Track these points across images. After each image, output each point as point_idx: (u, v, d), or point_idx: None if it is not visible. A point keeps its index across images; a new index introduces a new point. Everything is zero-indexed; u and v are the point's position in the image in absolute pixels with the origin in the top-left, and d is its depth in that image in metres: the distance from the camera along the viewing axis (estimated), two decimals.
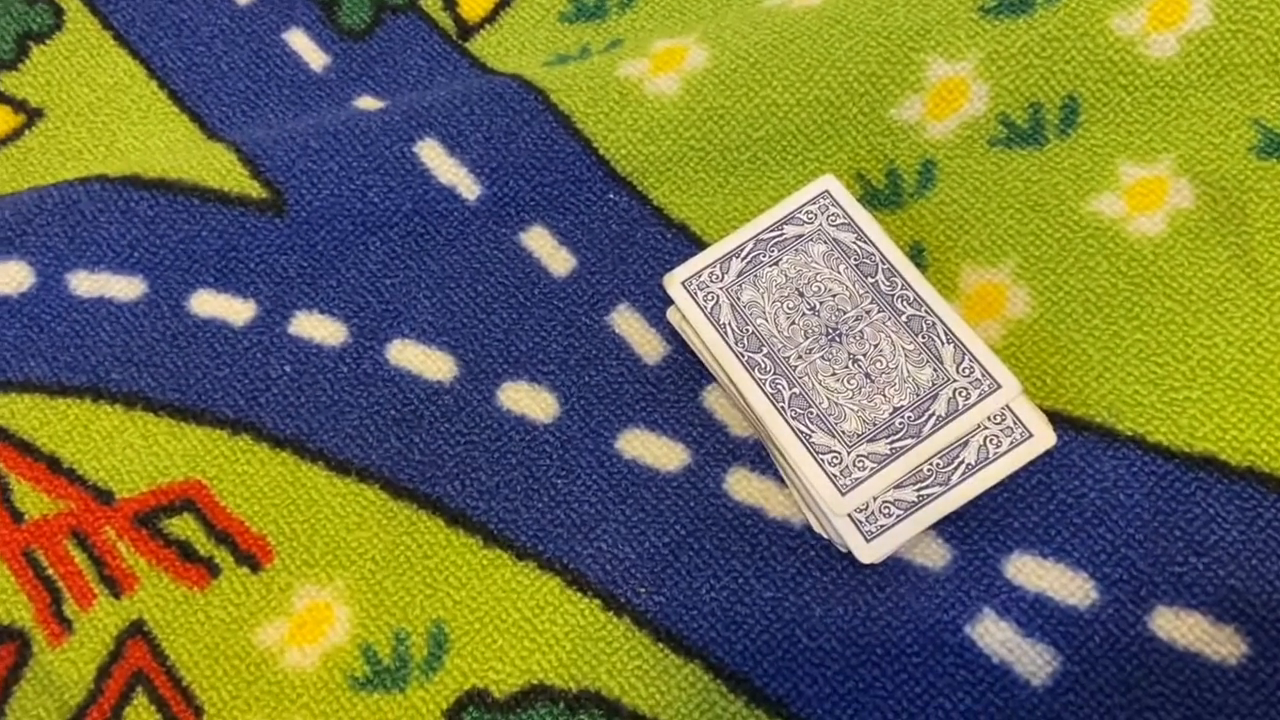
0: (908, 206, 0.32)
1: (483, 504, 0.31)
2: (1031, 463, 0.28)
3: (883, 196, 0.32)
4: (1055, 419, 0.29)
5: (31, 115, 0.38)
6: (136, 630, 0.30)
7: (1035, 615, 0.27)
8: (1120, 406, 0.29)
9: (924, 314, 0.29)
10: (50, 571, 0.31)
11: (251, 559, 0.31)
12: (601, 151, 0.34)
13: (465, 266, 0.33)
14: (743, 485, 0.30)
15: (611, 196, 0.34)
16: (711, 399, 0.31)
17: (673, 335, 0.32)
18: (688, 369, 0.31)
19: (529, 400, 0.32)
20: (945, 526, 0.29)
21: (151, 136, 0.37)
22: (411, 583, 0.30)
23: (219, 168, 0.34)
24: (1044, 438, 0.28)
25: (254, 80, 0.37)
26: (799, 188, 0.33)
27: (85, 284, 0.34)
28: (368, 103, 0.36)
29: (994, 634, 0.27)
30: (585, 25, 0.37)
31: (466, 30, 0.37)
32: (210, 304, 0.34)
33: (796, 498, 0.30)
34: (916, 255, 0.32)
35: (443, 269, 0.33)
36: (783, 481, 0.30)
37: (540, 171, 0.34)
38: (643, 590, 0.29)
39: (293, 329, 0.33)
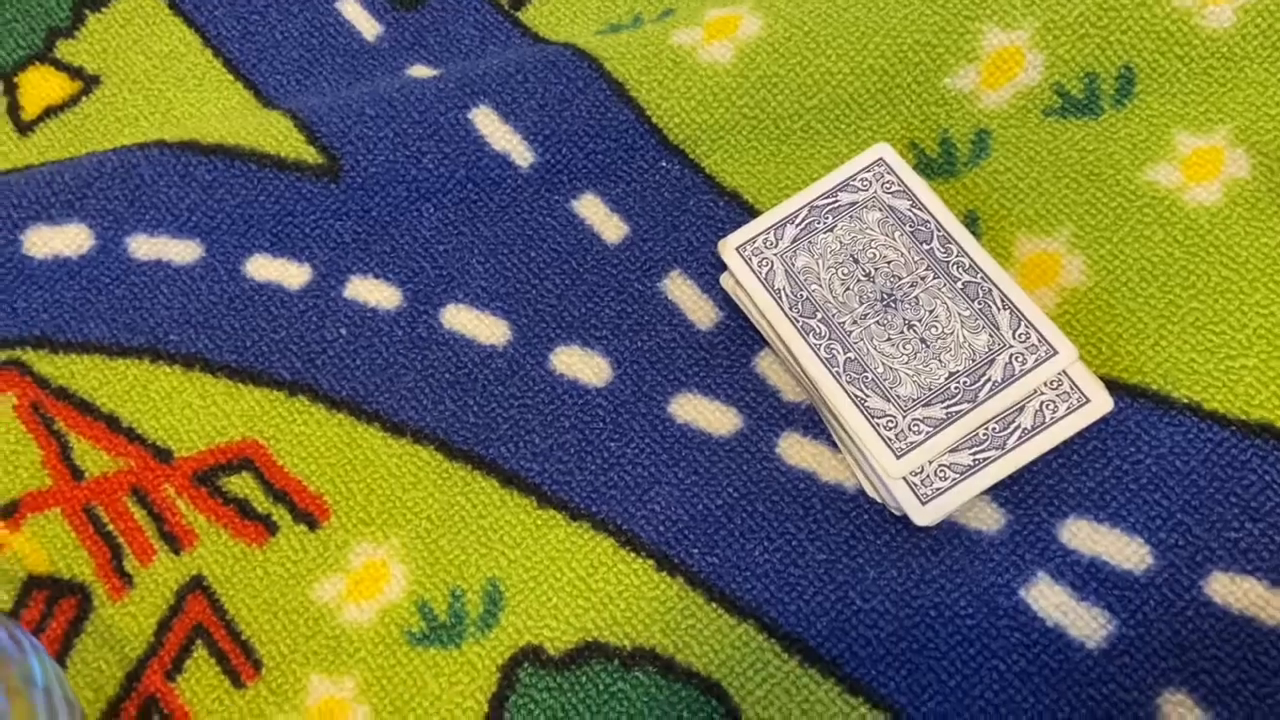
0: (962, 175, 0.32)
1: (536, 465, 0.31)
2: (1087, 428, 0.28)
3: (937, 165, 0.33)
4: (1111, 386, 0.29)
5: (89, 82, 0.38)
6: (196, 585, 0.31)
7: (1090, 579, 0.28)
8: (1176, 374, 0.29)
9: (980, 280, 0.29)
10: (110, 528, 0.32)
11: (309, 517, 0.31)
12: (654, 119, 0.34)
13: (518, 233, 0.34)
14: (795, 450, 0.30)
15: (664, 164, 0.34)
16: (764, 364, 0.31)
17: (725, 301, 0.32)
18: (740, 334, 0.32)
19: (582, 364, 0.32)
20: (1000, 491, 0.29)
21: (207, 104, 0.37)
22: (467, 541, 0.30)
23: (275, 134, 0.35)
24: (1101, 403, 0.28)
25: (308, 49, 0.38)
26: (851, 157, 0.33)
27: (144, 247, 0.34)
28: (421, 71, 0.37)
29: (1048, 597, 0.28)
30: None
31: (518, 0, 0.37)
32: (266, 268, 0.34)
33: (850, 462, 0.30)
34: (971, 224, 0.32)
35: (496, 235, 0.34)
36: (835, 446, 0.30)
37: (593, 139, 0.34)
38: (696, 550, 0.29)
39: (348, 293, 0.34)
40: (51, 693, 0.26)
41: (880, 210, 0.31)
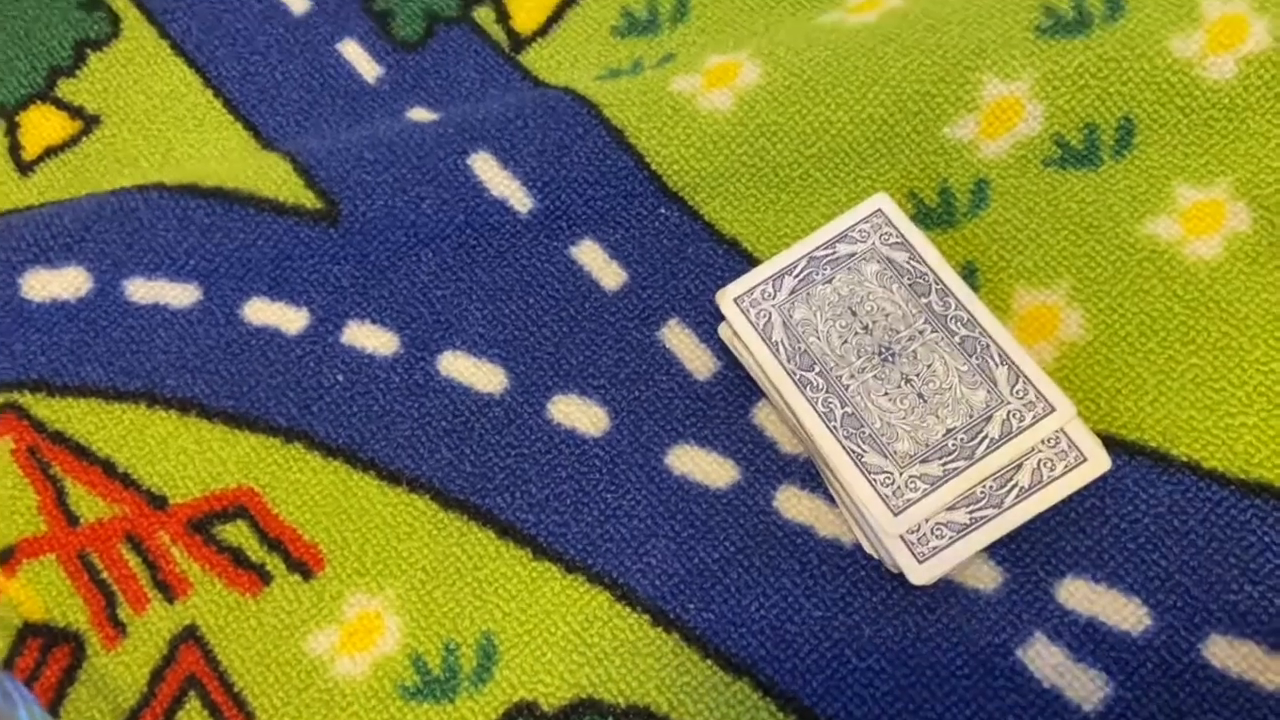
0: (961, 226, 0.32)
1: (532, 516, 0.31)
2: (1085, 487, 0.28)
3: (935, 215, 0.32)
4: (1109, 443, 0.29)
5: (89, 122, 0.38)
6: (189, 635, 0.31)
7: (1087, 640, 0.27)
8: (1175, 431, 0.29)
9: (978, 335, 0.29)
10: (105, 575, 0.32)
11: (303, 567, 0.31)
12: (654, 166, 0.34)
13: (516, 279, 0.34)
14: (792, 503, 0.30)
15: (663, 211, 0.34)
16: (762, 415, 0.31)
17: (723, 351, 0.32)
18: (738, 385, 0.32)
19: (579, 413, 0.32)
20: (997, 549, 0.28)
21: (207, 145, 0.37)
22: (461, 593, 0.30)
23: (274, 177, 0.35)
24: (1099, 462, 0.28)
25: (308, 90, 0.38)
26: (851, 205, 0.33)
27: (141, 290, 0.34)
28: (421, 114, 0.37)
29: (1045, 658, 0.27)
30: (637, 39, 0.37)
31: (519, 43, 0.37)
32: (264, 312, 0.34)
33: (847, 517, 0.30)
34: (969, 275, 0.32)
35: (494, 281, 0.34)
36: (833, 500, 0.30)
37: (592, 185, 0.34)
38: (692, 605, 0.29)
39: (345, 338, 0.33)
40: None
41: (878, 262, 0.31)
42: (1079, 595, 0.28)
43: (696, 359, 0.32)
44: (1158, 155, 0.32)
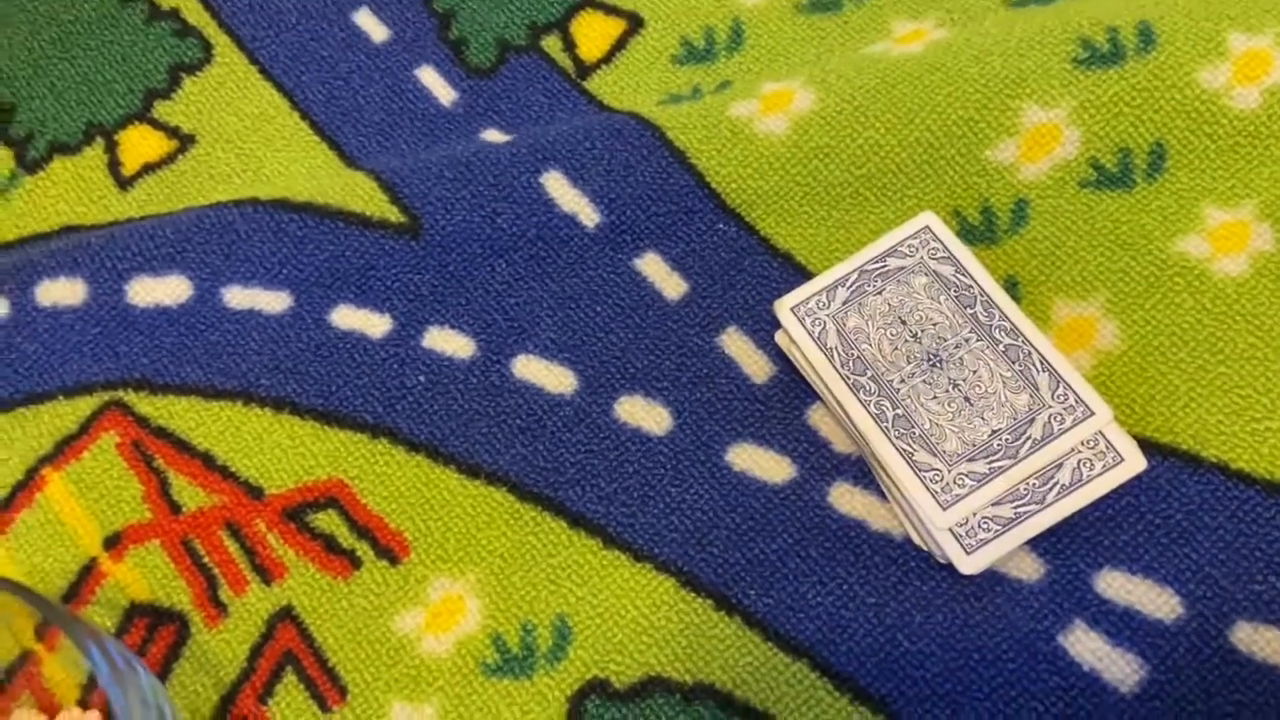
0: (1002, 243, 0.35)
1: (602, 508, 0.33)
2: (1121, 485, 0.30)
3: (978, 233, 0.35)
4: (1143, 445, 0.31)
5: (184, 141, 0.41)
6: (286, 615, 0.33)
7: (1124, 627, 0.29)
8: (1205, 435, 0.31)
9: (1020, 344, 0.31)
10: (206, 560, 0.34)
11: (390, 553, 0.33)
12: (713, 185, 0.36)
13: (585, 288, 0.36)
14: (846, 499, 0.32)
15: (721, 226, 0.36)
16: (816, 417, 0.33)
17: (779, 357, 0.34)
18: (793, 389, 0.34)
19: (644, 414, 0.34)
20: (1039, 542, 0.31)
21: (295, 163, 0.40)
22: (537, 578, 0.33)
23: (361, 194, 0.37)
24: (1135, 462, 0.30)
25: (388, 113, 0.41)
26: (898, 223, 0.35)
27: (238, 297, 0.37)
28: (494, 136, 0.39)
29: (1084, 643, 0.29)
30: (695, 67, 0.39)
31: (584, 70, 0.40)
32: (350, 318, 0.37)
33: (898, 512, 0.32)
34: (1011, 288, 0.34)
35: (564, 290, 0.36)
36: (884, 496, 0.32)
37: (655, 202, 0.37)
38: (753, 592, 0.31)
39: (425, 342, 0.36)
40: (163, 712, 0.29)
41: (926, 275, 0.33)
42: (1116, 585, 0.30)
43: (754, 364, 0.34)
44: (1187, 178, 0.34)
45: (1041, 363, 0.31)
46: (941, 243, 0.33)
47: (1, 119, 0.42)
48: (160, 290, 0.37)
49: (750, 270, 0.36)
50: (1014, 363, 0.31)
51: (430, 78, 0.41)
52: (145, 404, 0.36)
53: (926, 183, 0.35)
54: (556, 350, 0.35)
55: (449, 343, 0.36)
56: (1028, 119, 0.35)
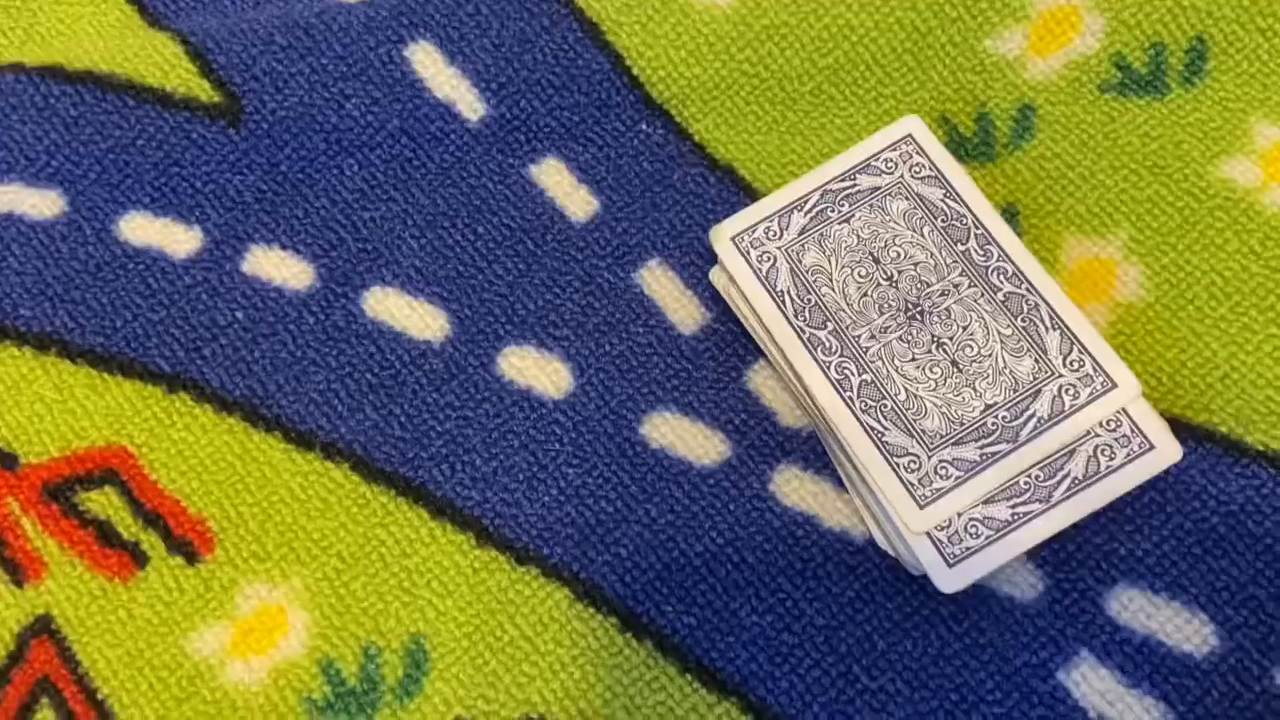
0: (1000, 160, 0.27)
1: (476, 494, 0.25)
2: (1147, 480, 0.23)
3: (971, 146, 0.27)
4: (1172, 427, 0.24)
5: None
6: (43, 628, 0.25)
7: (1142, 662, 0.23)
8: (1249, 415, 0.24)
9: (1025, 292, 0.24)
10: None
11: (187, 547, 0.25)
12: (635, 71, 0.28)
13: (463, 202, 0.28)
14: (793, 487, 0.25)
15: (644, 127, 0.28)
16: (758, 380, 0.26)
17: (714, 300, 0.26)
18: (730, 342, 0.26)
19: (536, 370, 0.26)
20: (1038, 551, 0.24)
21: (80, 20, 0.30)
22: (386, 586, 0.25)
23: (161, 62, 0.28)
24: (1168, 451, 0.23)
25: None
26: (872, 130, 0.27)
27: None
28: None
29: (1092, 682, 0.23)
30: None
31: None
32: (145, 229, 0.27)
33: (859, 505, 0.25)
34: (1009, 219, 0.27)
35: (435, 204, 0.28)
36: (842, 485, 0.25)
37: (559, 92, 0.28)
38: (669, 608, 0.24)
39: (247, 267, 0.27)
40: None
41: (907, 199, 0.25)
42: (1133, 608, 0.23)
43: (681, 309, 0.26)
44: (1233, 84, 0.27)
45: (1051, 318, 0.24)
46: (927, 157, 0.26)
47: None
48: None
49: (680, 186, 0.27)
50: (1016, 317, 0.24)
51: None
52: None
53: (908, 79, 0.28)
54: (423, 283, 0.27)
55: (278, 268, 0.27)
56: (1040, 0, 0.27)
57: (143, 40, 0.29)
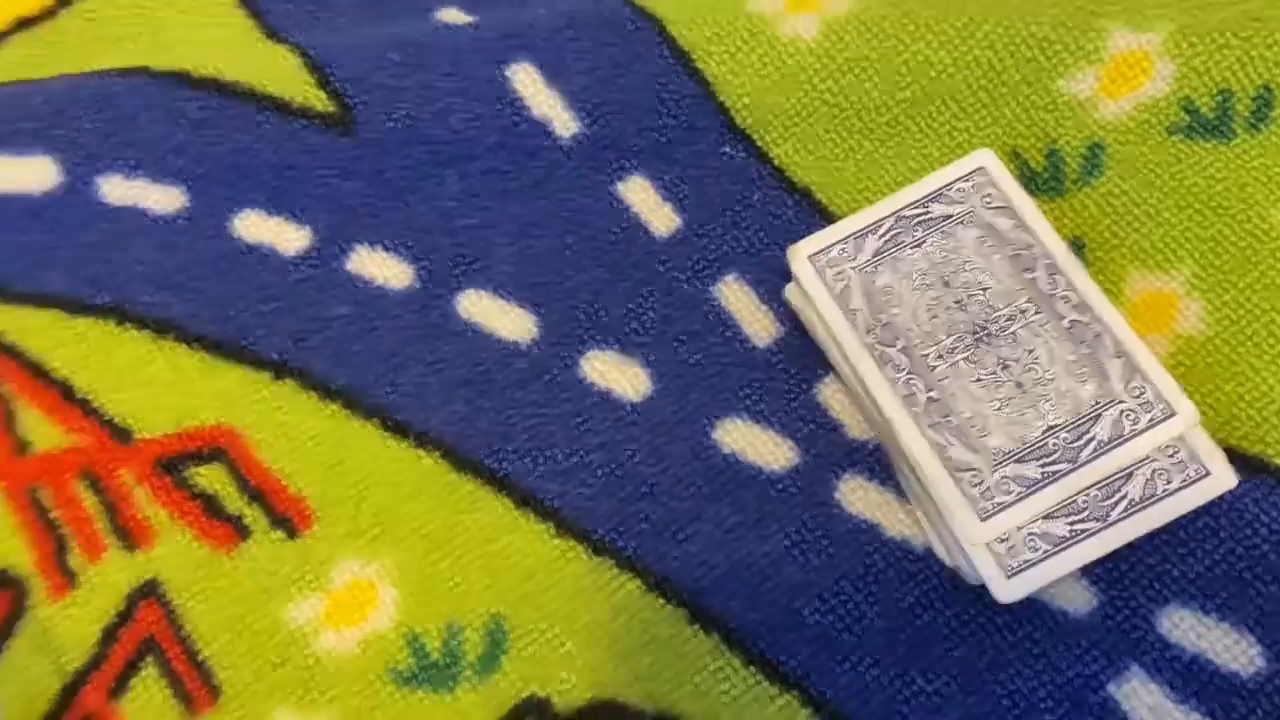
0: (1069, 195, 0.28)
1: (556, 486, 0.27)
2: (1201, 505, 0.24)
3: (1041, 181, 0.28)
4: (1228, 456, 0.25)
5: None
6: (150, 591, 0.27)
7: (1190, 679, 0.24)
8: None
9: (1089, 321, 0.25)
10: (56, 514, 0.27)
11: (287, 522, 0.27)
12: (721, 97, 0.29)
13: (554, 214, 0.29)
14: (857, 495, 0.26)
15: (727, 150, 0.29)
16: (827, 393, 0.27)
17: (786, 315, 0.28)
18: (802, 356, 0.28)
19: (617, 374, 0.28)
20: (1093, 568, 0.25)
21: (203, 29, 0.32)
22: (470, 569, 0.26)
23: (280, 72, 0.30)
24: (1223, 478, 0.24)
25: None
26: (943, 162, 0.29)
27: (118, 190, 0.30)
28: (453, 15, 0.32)
29: (1141, 696, 0.24)
30: None
31: None
32: (259, 227, 0.30)
33: (920, 516, 0.26)
34: (1076, 251, 0.28)
35: (528, 214, 0.29)
36: (904, 496, 0.26)
37: (648, 114, 0.30)
38: (735, 603, 0.25)
39: (352, 265, 0.29)
40: None
41: (978, 227, 0.27)
42: (1184, 627, 0.24)
43: (756, 321, 0.28)
44: None
45: (1115, 346, 0.25)
46: (999, 188, 0.27)
47: None
48: (21, 174, 0.30)
49: (759, 206, 0.29)
50: (1080, 343, 0.25)
51: None
52: None
53: (983, 114, 0.29)
54: (514, 288, 0.29)
55: (381, 268, 0.29)
56: (1114, 44, 0.28)
57: (263, 52, 0.31)
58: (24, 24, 0.33)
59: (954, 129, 0.29)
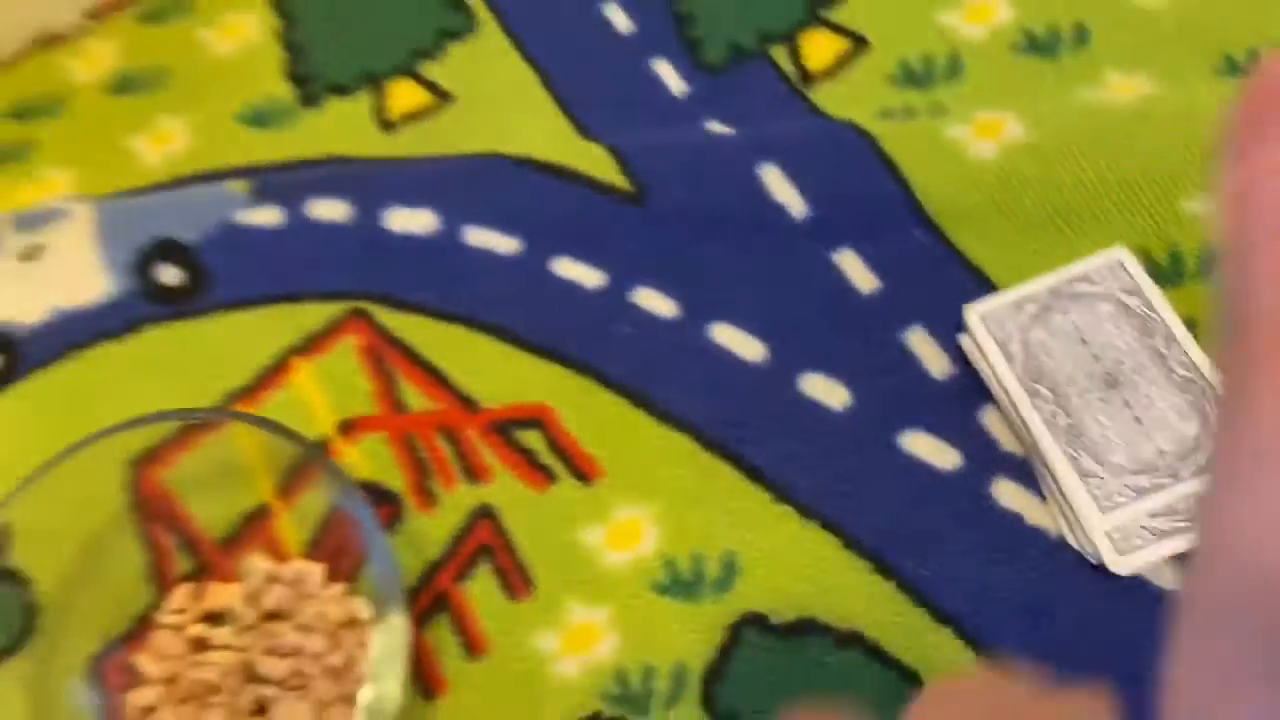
0: (1187, 285, 0.37)
1: (777, 465, 0.37)
2: None
3: (1164, 273, 0.37)
4: None
5: (443, 97, 0.47)
6: (486, 513, 0.38)
7: None
8: None
9: (1196, 379, 0.34)
10: (423, 455, 0.39)
11: (583, 474, 0.38)
12: (918, 195, 0.40)
13: (785, 272, 0.40)
14: (1008, 493, 0.35)
15: (918, 234, 0.40)
16: (989, 418, 0.36)
17: (960, 359, 0.37)
18: (970, 389, 0.37)
19: (825, 390, 0.38)
20: (1179, 558, 0.33)
21: (539, 131, 0.45)
22: (712, 517, 0.36)
23: (595, 161, 0.42)
24: None
25: (624, 96, 0.45)
26: (1088, 253, 0.38)
27: (476, 236, 0.42)
28: (717, 128, 0.44)
29: None
30: (912, 90, 0.43)
31: (808, 79, 0.44)
32: (570, 268, 0.41)
33: (1055, 513, 0.34)
34: (1189, 328, 0.36)
35: (765, 271, 0.40)
36: (1044, 498, 0.35)
37: (860, 204, 0.40)
38: (910, 562, 0.34)
39: (634, 299, 0.40)
40: (397, 566, 0.34)
41: (1113, 304, 0.36)
42: None
43: (935, 362, 0.38)
44: None
45: (1215, 399, 0.33)
46: (1131, 276, 0.36)
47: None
48: (412, 220, 0.43)
49: (941, 276, 0.39)
50: (1187, 394, 0.34)
51: (665, 69, 0.45)
52: (385, 316, 0.42)
53: (1121, 222, 0.38)
54: (751, 322, 0.39)
55: (655, 302, 0.40)
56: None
57: (582, 147, 0.43)
58: (410, 117, 0.47)
59: (1098, 232, 0.38)
